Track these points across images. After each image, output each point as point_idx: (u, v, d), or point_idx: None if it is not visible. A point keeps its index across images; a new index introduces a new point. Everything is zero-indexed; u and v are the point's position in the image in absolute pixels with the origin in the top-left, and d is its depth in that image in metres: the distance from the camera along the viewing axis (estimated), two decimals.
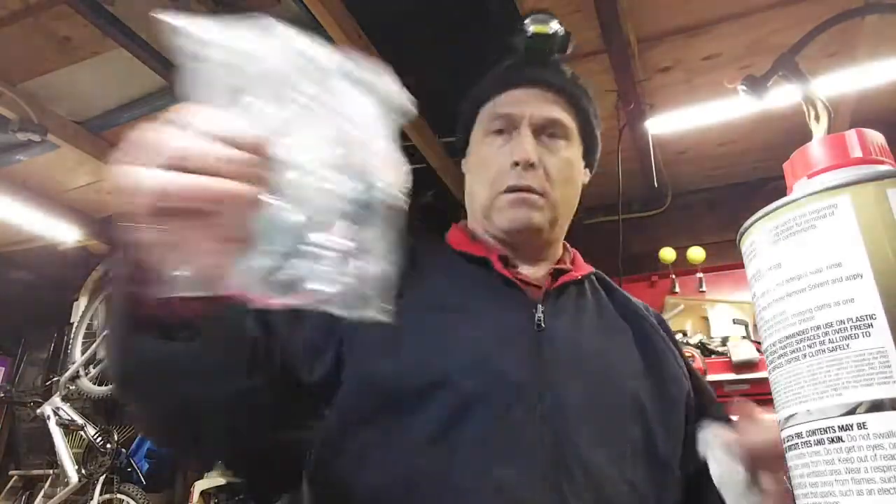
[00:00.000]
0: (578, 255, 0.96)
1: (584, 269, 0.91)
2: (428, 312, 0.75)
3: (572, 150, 0.87)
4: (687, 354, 2.41)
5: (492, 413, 0.68)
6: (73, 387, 3.63)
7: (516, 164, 0.82)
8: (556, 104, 0.86)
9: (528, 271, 0.86)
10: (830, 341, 0.43)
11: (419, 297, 0.75)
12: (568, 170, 0.86)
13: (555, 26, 0.89)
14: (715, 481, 0.64)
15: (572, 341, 0.78)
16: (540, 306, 0.79)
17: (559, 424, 0.69)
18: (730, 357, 2.28)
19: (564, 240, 0.95)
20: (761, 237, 0.51)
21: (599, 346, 0.80)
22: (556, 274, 0.86)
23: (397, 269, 0.82)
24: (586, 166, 0.93)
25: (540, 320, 0.77)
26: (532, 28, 0.88)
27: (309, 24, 1.89)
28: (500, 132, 0.86)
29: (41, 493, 3.55)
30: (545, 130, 0.85)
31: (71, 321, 3.91)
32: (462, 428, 0.67)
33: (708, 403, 0.85)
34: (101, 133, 2.58)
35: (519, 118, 0.84)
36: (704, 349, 2.36)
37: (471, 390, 0.68)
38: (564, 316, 0.81)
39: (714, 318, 2.65)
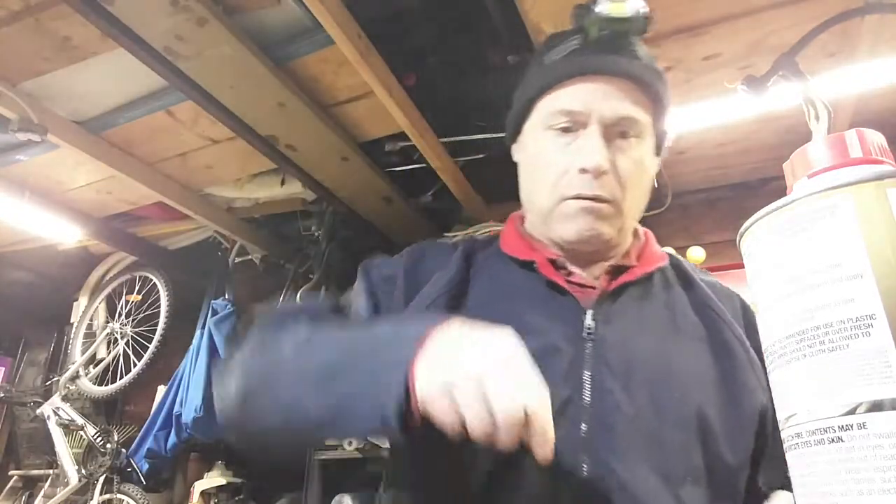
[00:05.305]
0: (651, 242, 0.84)
1: (651, 263, 0.80)
2: None
3: (644, 147, 0.76)
4: None
5: None
6: (73, 387, 3.63)
7: (584, 170, 0.72)
8: (628, 97, 0.74)
9: (582, 272, 0.77)
10: (830, 341, 0.43)
11: (466, 307, 0.72)
12: (640, 171, 0.76)
13: (633, 6, 0.72)
14: None
15: (628, 349, 0.70)
16: (590, 311, 0.71)
17: (601, 445, 0.64)
18: None
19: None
20: (761, 237, 0.51)
21: (662, 352, 0.71)
22: (614, 272, 0.76)
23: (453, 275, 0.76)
24: (656, 154, 0.83)
25: (590, 328, 0.70)
26: (605, 9, 0.71)
27: (309, 23, 1.89)
28: (564, 130, 0.75)
29: (41, 493, 3.54)
30: (617, 129, 0.74)
31: (71, 321, 3.90)
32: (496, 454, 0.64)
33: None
34: (101, 133, 2.57)
35: (587, 116, 0.73)
36: None
37: None
38: (623, 320, 0.72)
39: None
